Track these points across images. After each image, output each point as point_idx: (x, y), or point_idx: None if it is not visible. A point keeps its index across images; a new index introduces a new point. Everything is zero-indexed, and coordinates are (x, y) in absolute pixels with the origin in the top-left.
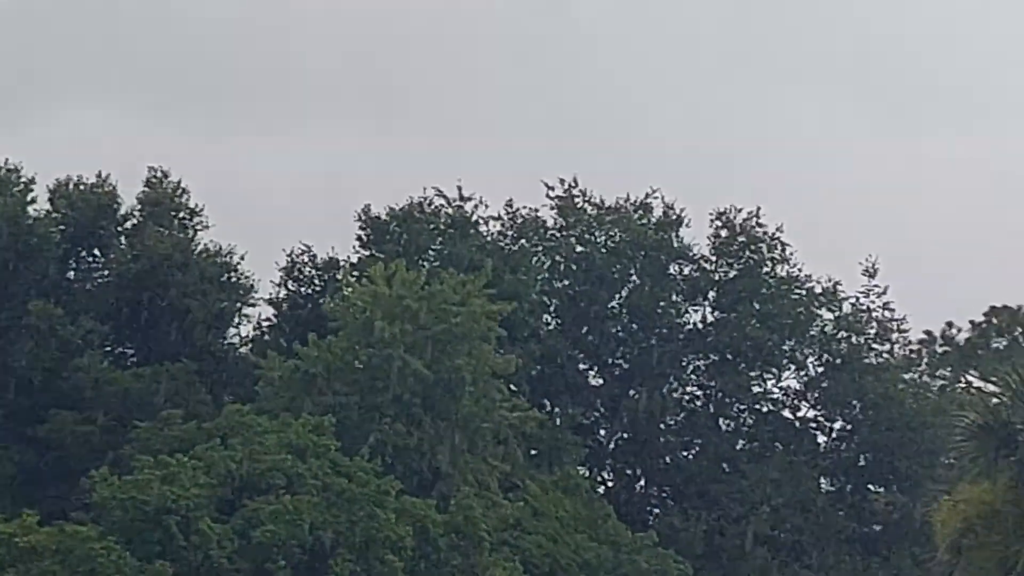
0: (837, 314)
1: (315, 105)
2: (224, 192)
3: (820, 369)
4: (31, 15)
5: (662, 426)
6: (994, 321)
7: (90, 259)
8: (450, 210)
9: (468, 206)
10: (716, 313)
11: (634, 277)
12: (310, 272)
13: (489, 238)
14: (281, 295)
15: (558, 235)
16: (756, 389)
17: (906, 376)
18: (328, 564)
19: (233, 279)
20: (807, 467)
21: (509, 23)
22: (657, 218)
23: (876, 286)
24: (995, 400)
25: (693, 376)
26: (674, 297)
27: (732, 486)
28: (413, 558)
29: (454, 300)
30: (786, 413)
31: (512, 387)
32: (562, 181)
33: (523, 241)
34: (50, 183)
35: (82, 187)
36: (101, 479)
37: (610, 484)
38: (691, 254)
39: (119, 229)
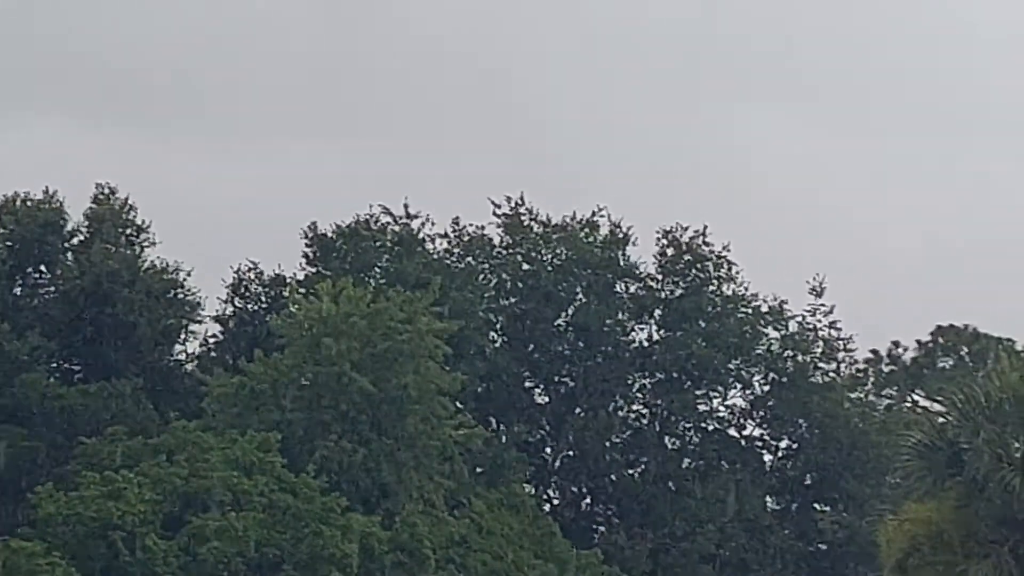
0: (783, 333)
1: (261, 122)
2: (170, 208)
3: (766, 388)
4: None
5: (607, 444)
6: (940, 340)
7: (36, 275)
8: (397, 227)
9: (415, 223)
10: (662, 331)
11: (580, 295)
12: (256, 289)
13: (436, 256)
14: (227, 312)
15: (504, 253)
16: (702, 408)
17: (852, 395)
18: None
19: (180, 296)
20: (753, 486)
21: (457, 42)
22: (603, 236)
23: (823, 305)
24: (941, 419)
25: (639, 394)
26: (620, 315)
27: (678, 504)
28: (358, 575)
29: (400, 318)
30: (732, 432)
31: (458, 404)
32: (508, 199)
33: (470, 259)
34: None
35: (28, 203)
36: (46, 495)
37: (555, 502)
38: (637, 272)
39: (66, 245)
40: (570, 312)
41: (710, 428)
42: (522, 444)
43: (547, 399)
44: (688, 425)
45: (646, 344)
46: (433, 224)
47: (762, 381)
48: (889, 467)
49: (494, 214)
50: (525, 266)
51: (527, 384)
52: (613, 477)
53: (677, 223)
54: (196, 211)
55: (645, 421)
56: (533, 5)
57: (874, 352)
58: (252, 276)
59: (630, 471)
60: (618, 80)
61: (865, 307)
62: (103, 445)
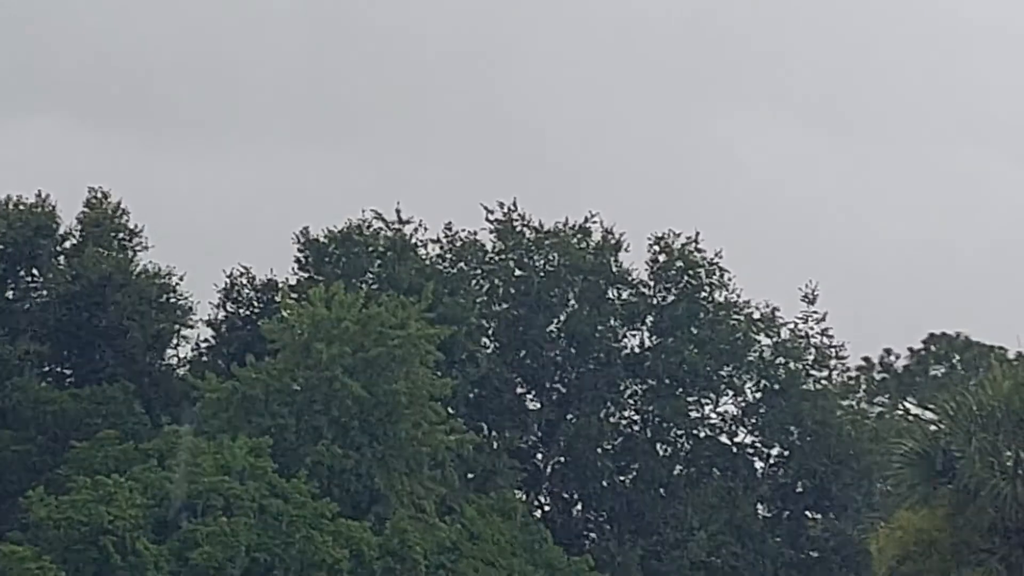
0: (775, 340)
1: (254, 127)
2: (163, 212)
3: (758, 395)
4: None
5: (599, 450)
6: (932, 348)
7: (28, 279)
8: (389, 233)
9: (407, 229)
10: (654, 338)
11: (572, 301)
12: (249, 294)
13: (428, 261)
14: (220, 316)
15: (497, 259)
16: (693, 414)
17: (844, 403)
18: None
19: (172, 300)
20: (744, 493)
21: (450, 45)
22: (596, 242)
23: (815, 312)
24: (933, 427)
25: (631, 401)
26: (612, 322)
27: (669, 511)
28: None
29: (392, 323)
30: (723, 439)
31: (449, 410)
32: (501, 204)
33: (462, 264)
34: None
35: (21, 207)
36: (38, 499)
37: (547, 508)
38: (629, 279)
39: (58, 249)
40: (562, 318)
41: (702, 435)
42: (513, 450)
43: (539, 405)
44: (680, 432)
45: (638, 350)
46: (425, 229)
47: (754, 388)
48: (881, 475)
49: (486, 220)
50: (517, 272)
51: (519, 390)
52: (604, 483)
53: (669, 230)
54: (189, 216)
55: (637, 427)
56: (526, 13)
57: (866, 359)
58: (244, 281)
59: (621, 477)
60: (611, 88)
61: (857, 314)
62: (95, 449)
